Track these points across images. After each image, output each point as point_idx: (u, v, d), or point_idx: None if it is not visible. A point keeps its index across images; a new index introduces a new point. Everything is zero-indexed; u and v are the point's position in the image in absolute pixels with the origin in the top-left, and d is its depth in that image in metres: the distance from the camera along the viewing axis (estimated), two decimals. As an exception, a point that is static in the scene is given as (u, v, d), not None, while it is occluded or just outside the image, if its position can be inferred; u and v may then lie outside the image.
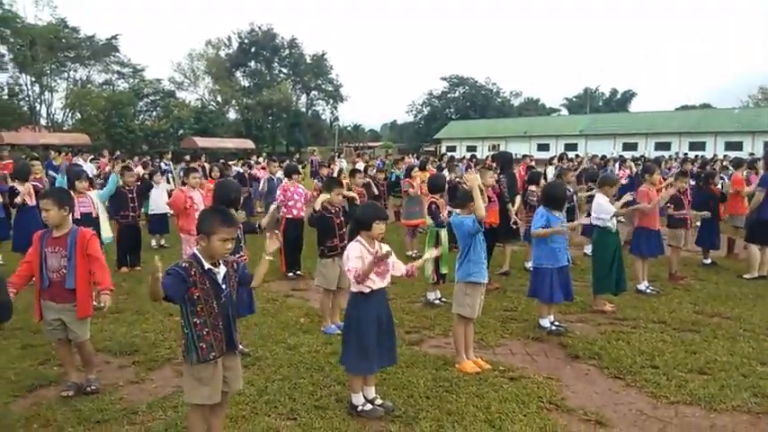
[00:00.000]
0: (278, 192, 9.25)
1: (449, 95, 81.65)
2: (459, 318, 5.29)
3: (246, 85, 70.33)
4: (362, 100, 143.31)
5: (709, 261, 9.81)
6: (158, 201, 11.39)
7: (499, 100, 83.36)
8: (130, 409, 4.38)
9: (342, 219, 6.45)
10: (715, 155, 34.97)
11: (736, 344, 5.87)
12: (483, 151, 53.44)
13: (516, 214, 8.80)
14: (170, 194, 11.32)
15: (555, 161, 18.83)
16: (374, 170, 15.54)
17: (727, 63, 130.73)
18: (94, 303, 4.61)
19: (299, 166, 11.41)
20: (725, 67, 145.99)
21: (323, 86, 74.38)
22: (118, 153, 27.05)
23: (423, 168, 12.83)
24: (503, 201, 8.46)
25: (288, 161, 16.69)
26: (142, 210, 10.68)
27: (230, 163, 19.44)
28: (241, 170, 17.55)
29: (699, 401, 4.56)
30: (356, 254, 4.22)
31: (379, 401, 4.41)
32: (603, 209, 7.03)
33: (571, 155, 26.03)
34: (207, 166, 16.21)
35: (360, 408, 4.32)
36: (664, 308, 7.14)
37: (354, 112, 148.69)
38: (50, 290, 4.48)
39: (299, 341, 5.91)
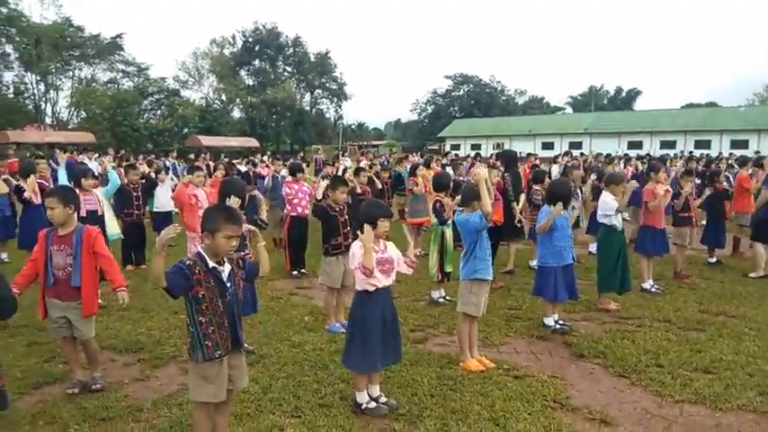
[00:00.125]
0: (284, 187, 9.28)
1: (453, 94, 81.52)
2: (464, 316, 5.29)
3: (251, 83, 70.38)
4: (366, 98, 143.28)
5: (714, 260, 9.78)
6: (163, 199, 11.40)
7: (504, 98, 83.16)
8: (135, 406, 4.39)
9: (346, 217, 6.46)
10: (720, 153, 34.82)
11: (741, 343, 5.85)
12: (487, 150, 53.33)
13: (521, 213, 8.78)
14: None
15: (560, 159, 18.81)
16: (378, 168, 15.54)
17: (733, 61, 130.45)
18: (100, 301, 4.64)
19: (303, 165, 11.38)
20: (731, 65, 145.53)
21: (327, 85, 74.36)
22: (123, 152, 27.16)
23: (427, 166, 12.82)
24: (507, 199, 8.45)
25: (292, 159, 16.70)
26: (146, 208, 10.70)
27: (234, 161, 19.43)
28: (245, 169, 17.55)
29: (704, 400, 4.55)
30: (361, 252, 4.22)
31: (383, 399, 4.41)
32: (608, 206, 7.01)
33: (576, 153, 26.03)
34: (211, 164, 16.25)
35: (364, 406, 4.32)
36: (669, 306, 7.12)
37: (358, 111, 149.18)
38: (56, 287, 4.50)
39: (303, 339, 5.92)
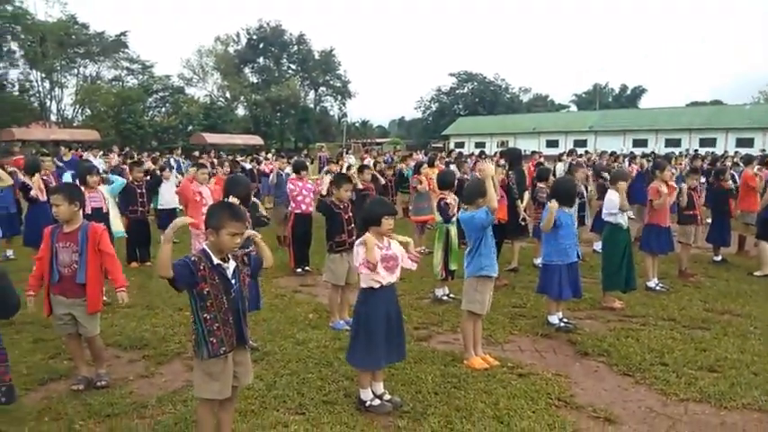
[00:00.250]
0: (288, 183, 9.30)
1: (457, 91, 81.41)
2: (469, 314, 5.29)
3: (255, 81, 70.40)
4: (371, 96, 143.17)
5: (719, 258, 9.75)
6: (167, 196, 11.43)
7: (508, 96, 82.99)
8: (140, 403, 4.41)
9: (350, 214, 6.46)
10: (725, 151, 34.71)
11: (746, 341, 5.84)
12: (491, 147, 53.22)
13: (525, 211, 8.77)
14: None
15: (564, 157, 18.78)
16: (383, 165, 15.53)
17: (738, 59, 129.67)
18: (105, 298, 4.66)
19: (307, 162, 11.41)
20: (736, 63, 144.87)
21: (331, 82, 74.34)
22: (127, 149, 27.21)
23: (431, 165, 12.80)
24: (511, 197, 8.44)
25: (296, 157, 16.72)
26: (151, 205, 10.73)
27: (239, 159, 19.47)
28: (249, 166, 17.59)
29: (709, 399, 4.54)
30: (364, 249, 4.22)
31: (387, 397, 4.41)
32: (613, 204, 7.00)
33: (580, 151, 25.98)
34: (215, 161, 16.27)
35: (368, 403, 4.32)
36: (673, 305, 7.11)
37: (363, 109, 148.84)
38: (61, 284, 4.51)
39: (307, 336, 5.93)
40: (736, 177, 11.76)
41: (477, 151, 33.44)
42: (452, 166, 13.72)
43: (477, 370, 5.05)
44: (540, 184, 9.31)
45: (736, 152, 31.25)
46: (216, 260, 3.36)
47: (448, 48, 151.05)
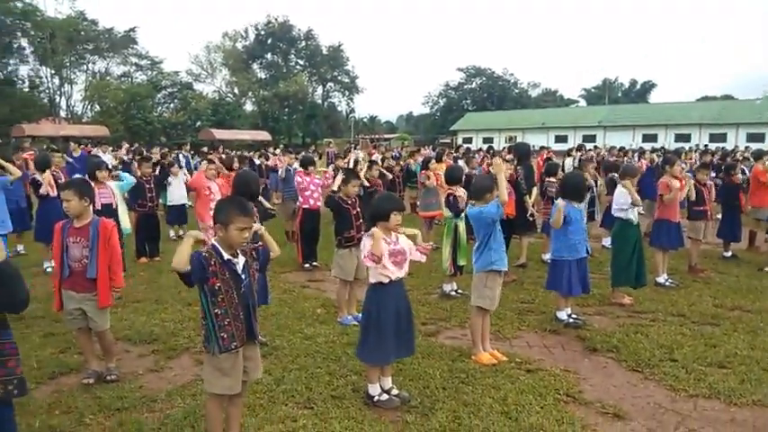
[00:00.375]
0: (295, 176, 9.33)
1: (465, 87, 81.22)
2: (478, 309, 5.28)
3: (263, 77, 70.50)
4: (378, 92, 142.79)
5: (729, 254, 9.69)
6: (176, 192, 11.50)
7: (517, 91, 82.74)
8: (150, 397, 4.44)
9: (358, 210, 6.46)
10: (736, 146, 34.43)
11: (756, 337, 5.80)
12: (500, 143, 53.15)
13: (533, 206, 8.75)
14: (188, 190, 11.44)
15: (573, 152, 18.69)
16: (391, 162, 15.50)
17: (750, 53, 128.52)
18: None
19: (315, 158, 11.39)
20: (747, 57, 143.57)
21: (339, 78, 74.32)
22: (136, 145, 27.34)
23: (439, 160, 12.79)
24: (519, 192, 8.41)
25: (304, 153, 16.73)
26: (160, 201, 10.78)
27: (246, 155, 19.49)
28: (258, 161, 17.62)
29: (718, 395, 4.52)
30: (371, 242, 4.22)
31: (395, 392, 4.42)
32: (624, 199, 6.96)
33: (589, 146, 25.84)
34: (223, 157, 16.30)
35: (376, 398, 4.33)
36: (683, 301, 7.07)
37: (370, 104, 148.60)
38: (71, 279, 4.54)
39: (315, 331, 5.94)
40: (747, 172, 11.67)
41: (485, 147, 33.35)
42: (460, 162, 13.70)
43: (486, 365, 5.05)
44: (550, 179, 9.27)
45: (746, 147, 31.01)
46: (226, 255, 3.37)
47: (456, 43, 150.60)
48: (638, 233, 7.18)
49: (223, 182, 8.68)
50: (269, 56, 71.43)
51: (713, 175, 11.29)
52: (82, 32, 53.14)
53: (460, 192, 7.22)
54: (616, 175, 8.65)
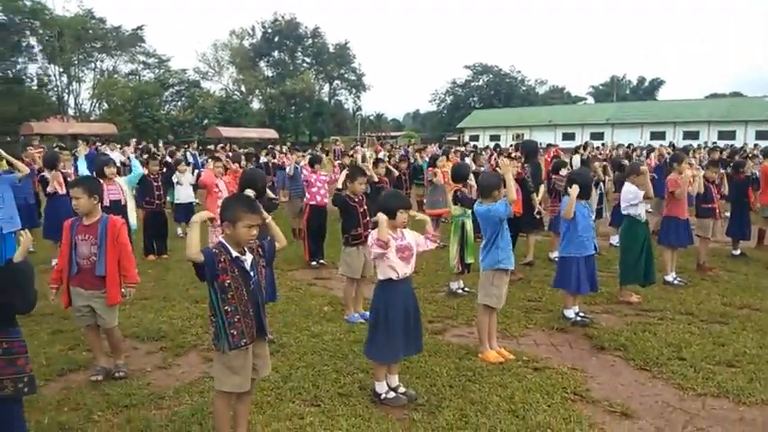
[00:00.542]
0: (303, 171, 9.37)
1: (472, 84, 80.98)
2: (485, 308, 5.27)
3: (270, 74, 70.53)
4: (385, 89, 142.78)
5: (738, 252, 9.63)
6: (183, 191, 11.54)
7: (524, 88, 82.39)
8: (158, 393, 4.46)
9: (365, 207, 6.46)
10: (745, 144, 34.21)
11: (765, 336, 5.76)
12: (507, 140, 52.95)
13: (540, 204, 8.72)
14: (194, 188, 11.48)
15: (581, 150, 18.62)
16: (397, 159, 15.49)
17: (759, 50, 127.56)
18: (123, 291, 4.73)
19: (323, 156, 11.40)
20: (756, 54, 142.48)
21: (346, 76, 74.24)
22: (143, 143, 27.44)
23: (446, 157, 12.76)
24: (526, 190, 8.38)
25: (311, 150, 16.75)
26: (167, 198, 10.82)
27: (251, 153, 19.51)
28: (265, 159, 17.65)
29: (727, 394, 4.49)
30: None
31: (402, 390, 4.42)
32: (633, 193, 6.92)
33: (597, 144, 25.74)
34: (231, 154, 16.33)
35: (383, 396, 4.34)
36: (691, 299, 7.03)
37: (377, 102, 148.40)
38: (79, 276, 4.57)
39: (322, 329, 5.95)
40: (756, 171, 11.57)
41: (491, 144, 33.24)
42: (468, 159, 13.68)
43: (493, 363, 5.04)
44: (561, 173, 9.22)
45: (755, 144, 30.81)
46: (234, 253, 3.38)
47: (463, 40, 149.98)
48: (647, 231, 7.14)
49: (230, 179, 8.71)
50: (276, 54, 71.43)
51: (722, 171, 11.21)
52: (90, 31, 53.32)
53: (469, 185, 7.19)
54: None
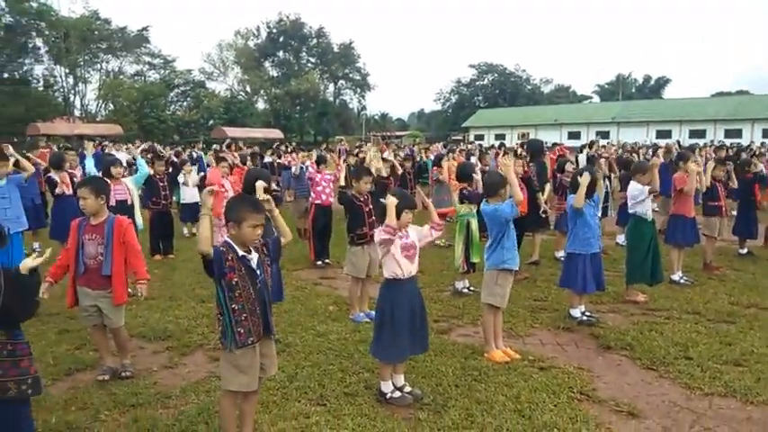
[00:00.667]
0: (308, 169, 9.39)
1: (477, 83, 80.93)
2: (489, 307, 5.26)
3: (275, 74, 70.70)
4: (390, 89, 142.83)
5: (745, 251, 9.58)
6: (189, 191, 11.58)
7: (529, 87, 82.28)
8: (164, 393, 4.47)
9: (370, 207, 6.46)
10: (752, 142, 34.05)
11: (773, 335, 5.73)
12: (512, 140, 52.86)
13: (546, 203, 8.70)
14: (200, 188, 11.51)
15: (586, 149, 18.57)
16: (401, 157, 15.49)
17: (766, 48, 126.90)
18: (129, 290, 4.74)
19: (328, 155, 11.41)
20: (763, 52, 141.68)
21: (350, 75, 74.33)
22: (150, 144, 27.54)
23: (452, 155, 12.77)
24: (532, 189, 8.37)
25: (315, 149, 16.78)
26: (173, 198, 10.85)
27: (256, 152, 19.54)
28: (270, 159, 17.68)
29: (734, 393, 4.47)
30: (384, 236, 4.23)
31: (407, 389, 4.42)
32: (639, 190, 6.89)
33: (602, 143, 25.66)
34: (236, 154, 16.35)
35: (389, 395, 4.33)
36: (698, 298, 7.00)
37: (382, 101, 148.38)
38: (86, 276, 4.58)
39: (327, 329, 5.95)
40: (763, 168, 11.52)
41: (497, 143, 33.22)
42: (473, 159, 13.67)
43: (498, 363, 5.03)
44: (568, 169, 9.19)
45: (762, 143, 30.67)
46: (241, 252, 3.39)
47: (468, 39, 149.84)
48: (654, 230, 7.12)
49: (235, 179, 8.73)
50: (281, 54, 71.60)
51: (730, 166, 11.16)
52: (95, 32, 53.63)
53: (475, 180, 7.18)
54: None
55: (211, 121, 55.75)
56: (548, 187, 8.89)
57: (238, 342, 3.38)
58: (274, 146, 24.19)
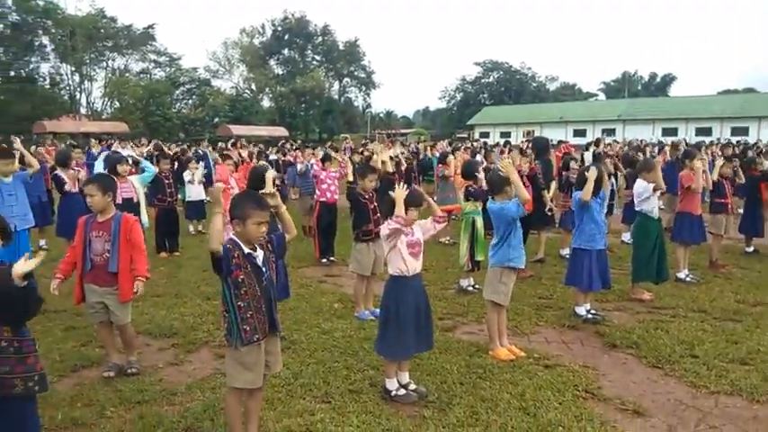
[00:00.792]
0: (314, 165, 9.40)
1: (482, 81, 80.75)
2: (493, 305, 5.25)
3: (280, 72, 70.74)
4: (395, 87, 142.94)
5: (751, 249, 9.55)
6: (195, 189, 11.60)
7: (534, 85, 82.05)
8: (170, 390, 4.48)
9: (375, 204, 6.47)
10: (758, 140, 33.88)
11: (779, 334, 5.70)
12: (517, 137, 52.72)
13: (552, 200, 8.68)
14: (205, 186, 11.54)
15: (592, 147, 18.52)
16: (406, 153, 15.49)
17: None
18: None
19: (333, 153, 11.41)
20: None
21: (355, 73, 74.30)
22: (156, 141, 27.62)
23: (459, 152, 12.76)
24: (537, 187, 8.35)
25: (320, 147, 16.77)
26: (179, 196, 10.88)
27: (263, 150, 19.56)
28: (275, 157, 17.68)
29: (740, 392, 4.45)
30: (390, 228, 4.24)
31: (412, 387, 4.42)
32: (644, 187, 6.87)
33: (608, 140, 25.56)
34: (242, 152, 16.38)
35: (393, 393, 4.34)
36: (704, 296, 6.98)
37: (387, 99, 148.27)
38: (93, 273, 4.60)
39: (332, 326, 5.96)
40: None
41: (502, 141, 33.11)
42: (479, 156, 13.64)
43: (503, 361, 5.03)
44: (573, 167, 9.17)
45: (769, 141, 30.50)
46: (246, 249, 3.40)
47: (473, 37, 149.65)
48: (660, 228, 7.09)
49: (240, 176, 8.75)
50: (286, 52, 71.58)
51: (737, 162, 11.11)
52: (101, 30, 53.75)
53: (480, 178, 7.17)
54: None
55: (217, 119, 55.84)
56: (553, 185, 8.87)
57: (244, 339, 3.39)
58: (279, 144, 24.20)
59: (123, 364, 4.84)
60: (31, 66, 52.53)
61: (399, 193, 4.22)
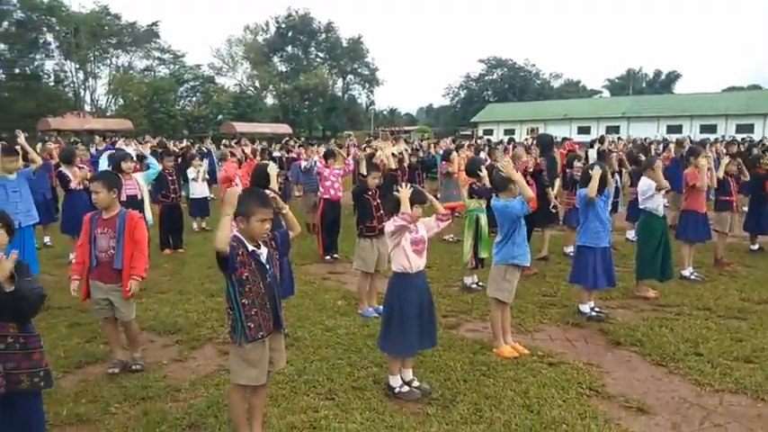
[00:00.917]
0: (317, 163, 9.39)
1: (486, 78, 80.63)
2: (497, 302, 5.25)
3: (283, 70, 70.77)
4: (399, 84, 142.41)
5: (756, 247, 9.51)
6: (198, 186, 11.62)
7: (538, 82, 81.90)
8: (174, 386, 4.49)
9: (379, 201, 6.47)
10: (763, 137, 33.75)
11: (784, 332, 5.68)
12: (521, 134, 52.63)
13: (556, 197, 8.66)
14: (209, 184, 11.56)
15: (596, 144, 18.47)
16: (410, 151, 15.47)
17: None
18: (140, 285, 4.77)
19: (337, 149, 11.41)
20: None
21: (359, 70, 74.27)
22: (160, 138, 27.69)
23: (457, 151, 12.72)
24: (541, 184, 8.33)
25: (323, 144, 16.79)
26: (183, 193, 10.89)
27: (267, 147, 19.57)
28: (279, 154, 17.70)
29: (745, 390, 4.44)
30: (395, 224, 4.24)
31: (416, 384, 4.42)
32: (648, 185, 6.85)
33: (612, 138, 25.50)
34: (246, 149, 16.37)
35: (397, 389, 4.34)
36: (709, 294, 6.96)
37: (390, 97, 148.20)
38: (98, 269, 4.61)
39: (336, 323, 5.96)
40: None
41: (506, 138, 33.09)
42: (483, 154, 13.63)
43: (507, 358, 5.02)
44: (576, 165, 9.14)
45: (772, 138, 30.37)
46: (250, 246, 3.40)
47: (477, 34, 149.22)
48: (665, 225, 7.07)
49: (243, 173, 8.76)
50: (289, 49, 71.63)
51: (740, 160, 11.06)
52: (105, 27, 53.89)
53: (483, 175, 7.17)
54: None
55: (220, 117, 55.93)
56: (557, 182, 8.85)
57: (248, 336, 3.39)
58: (283, 141, 24.22)
59: (127, 360, 4.85)
60: (36, 63, 52.70)
61: (404, 192, 4.23)
